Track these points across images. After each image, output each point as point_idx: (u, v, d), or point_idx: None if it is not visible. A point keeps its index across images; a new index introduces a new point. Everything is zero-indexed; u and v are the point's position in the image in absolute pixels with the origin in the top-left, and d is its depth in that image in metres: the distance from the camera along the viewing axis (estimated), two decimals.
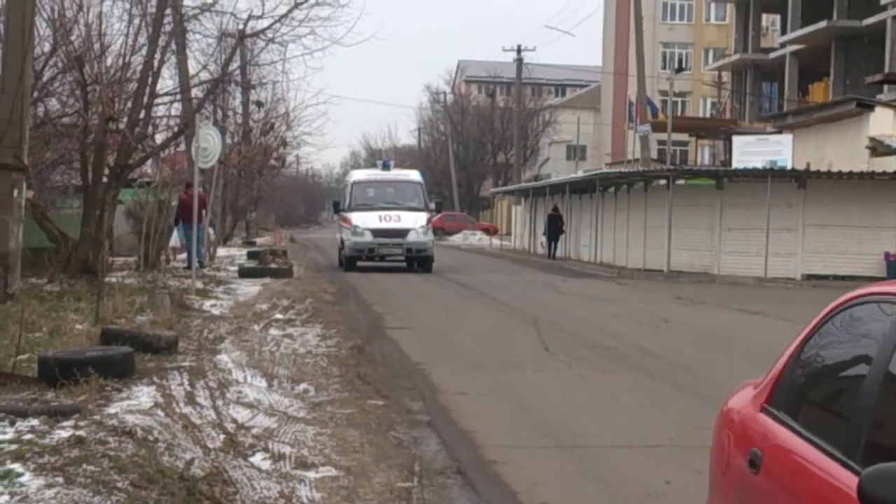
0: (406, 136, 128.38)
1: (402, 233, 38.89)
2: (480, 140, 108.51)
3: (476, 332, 22.62)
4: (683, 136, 71.81)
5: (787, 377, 5.60)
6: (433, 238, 42.89)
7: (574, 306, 28.91)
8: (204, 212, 35.30)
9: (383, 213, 39.28)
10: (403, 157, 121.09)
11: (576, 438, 12.14)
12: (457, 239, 77.49)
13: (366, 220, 38.96)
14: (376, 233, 38.71)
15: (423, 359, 18.08)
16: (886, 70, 54.16)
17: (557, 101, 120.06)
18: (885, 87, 52.24)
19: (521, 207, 75.54)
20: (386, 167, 46.46)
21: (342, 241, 41.41)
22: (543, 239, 60.04)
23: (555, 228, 58.07)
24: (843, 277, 38.01)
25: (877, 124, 41.72)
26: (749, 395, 6.10)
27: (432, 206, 47.34)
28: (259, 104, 51.48)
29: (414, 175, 46.11)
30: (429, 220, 41.76)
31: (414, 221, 39.25)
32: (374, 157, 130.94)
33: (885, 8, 56.05)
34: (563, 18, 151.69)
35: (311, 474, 10.03)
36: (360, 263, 37.20)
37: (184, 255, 34.57)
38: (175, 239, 35.61)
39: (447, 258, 51.49)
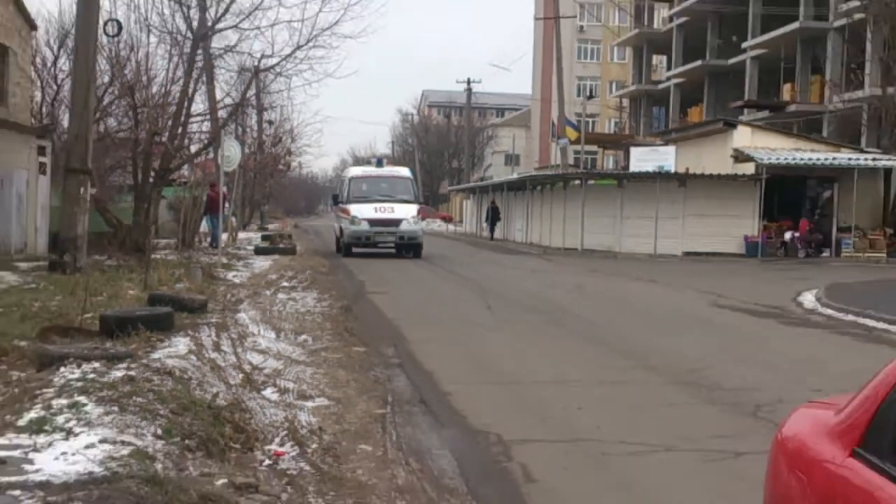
0: (383, 147, 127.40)
1: (396, 222, 34.68)
2: (439, 150, 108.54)
3: (434, 296, 22.60)
4: (593, 148, 71.79)
5: (887, 416, 3.42)
6: (423, 227, 38.27)
7: (511, 276, 28.87)
8: (226, 205, 35.45)
9: (378, 205, 34.88)
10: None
11: (510, 377, 12.17)
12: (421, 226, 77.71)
13: (363, 211, 34.62)
14: (372, 222, 34.52)
15: (395, 316, 18.11)
16: (745, 98, 54.64)
17: (498, 121, 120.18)
18: (745, 111, 52.48)
19: (469, 201, 75.57)
20: (379, 164, 41.24)
21: (340, 230, 36.93)
22: (485, 225, 60.08)
23: (494, 217, 58.67)
24: (713, 254, 38.51)
25: (738, 138, 41.90)
26: (821, 426, 3.89)
27: (421, 198, 42.76)
28: (270, 122, 52.02)
29: (404, 171, 41.66)
30: (419, 211, 37.21)
31: (406, 212, 35.12)
32: (360, 163, 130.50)
33: (744, 51, 56.32)
34: (503, 57, 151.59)
35: (309, 403, 10.03)
36: (354, 249, 34.70)
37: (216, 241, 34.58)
38: (204, 226, 35.46)
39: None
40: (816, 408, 4.24)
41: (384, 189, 36.07)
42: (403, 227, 34.53)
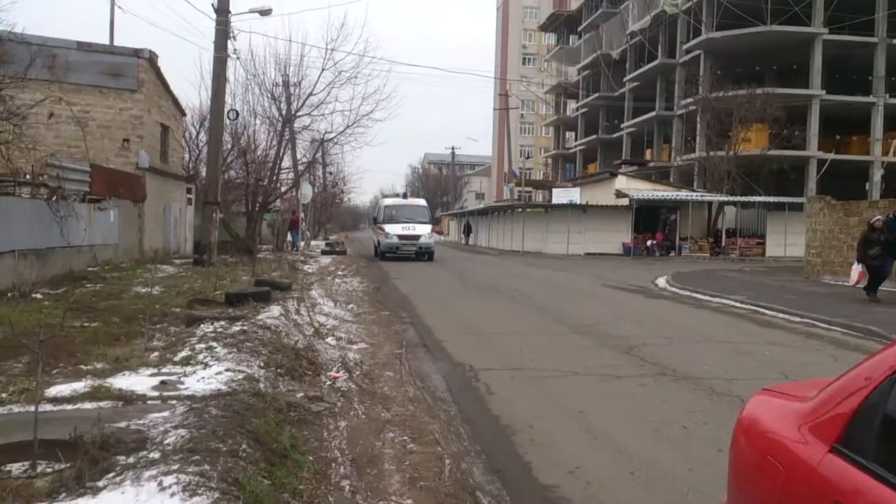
0: (400, 188, 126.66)
1: (417, 237, 32.13)
2: (435, 190, 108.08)
3: (432, 280, 22.55)
4: (530, 189, 71.84)
5: (871, 414, 2.36)
6: (435, 240, 35.16)
7: (478, 266, 28.89)
8: (303, 224, 35.33)
9: (405, 225, 32.42)
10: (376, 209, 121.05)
11: (478, 329, 12.16)
12: None
13: (394, 229, 32.11)
14: (400, 237, 32.05)
15: (408, 292, 18.06)
16: (623, 158, 54.68)
17: (471, 172, 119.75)
18: (623, 166, 52.55)
19: (454, 222, 75.48)
20: (404, 196, 37.97)
21: (378, 242, 33.64)
22: (462, 236, 60.27)
23: (468, 231, 58.73)
24: (603, 254, 38.48)
25: (619, 183, 41.96)
26: (789, 416, 2.77)
27: (433, 220, 39.00)
28: (330, 173, 51.78)
29: (422, 202, 37.55)
30: (432, 229, 34.70)
31: (423, 230, 32.60)
32: (390, 196, 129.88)
33: (622, 129, 56.45)
34: (474, 131, 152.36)
35: (354, 346, 10.04)
36: (387, 255, 32.49)
37: (296, 246, 34.55)
38: (289, 237, 35.37)
39: None
40: (777, 397, 3.03)
41: (408, 213, 33.36)
42: (422, 240, 32.16)
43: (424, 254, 32.61)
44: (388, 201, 36.84)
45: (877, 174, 41.88)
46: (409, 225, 32.60)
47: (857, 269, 16.82)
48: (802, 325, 13.09)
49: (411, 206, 35.02)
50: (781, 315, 14.33)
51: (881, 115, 41.82)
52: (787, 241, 37.98)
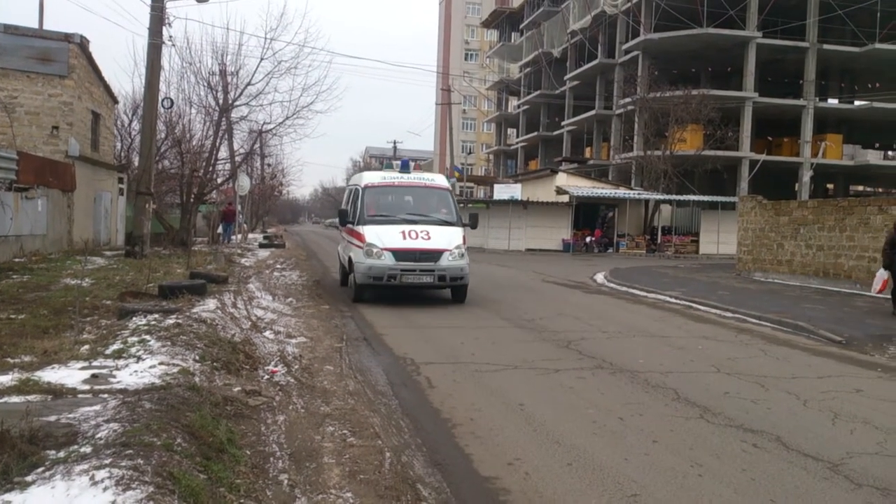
0: (341, 182, 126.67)
1: (433, 255, 14.34)
2: None
3: None
4: (471, 184, 72.19)
5: None
6: (468, 261, 15.09)
7: None
8: (240, 216, 34.74)
9: (408, 228, 14.71)
10: (341, 194, 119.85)
11: (420, 323, 12.16)
12: None
13: (384, 237, 14.41)
14: (400, 254, 14.22)
15: (348, 286, 17.93)
16: (563, 155, 55.39)
17: None
18: (563, 163, 53.19)
19: None
20: (405, 168, 16.92)
21: (350, 262, 15.36)
22: None
23: None
24: (543, 249, 38.94)
25: (559, 180, 42.42)
26: None
27: (465, 220, 15.85)
28: (269, 164, 51.04)
29: (441, 180, 17.05)
30: (464, 238, 15.14)
31: (447, 238, 14.67)
32: (328, 195, 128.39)
33: (562, 127, 57.11)
34: (416, 126, 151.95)
35: (293, 340, 9.94)
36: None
37: (229, 238, 33.98)
38: (219, 230, 34.63)
39: None
40: None
41: (415, 203, 15.93)
42: (445, 261, 14.43)
43: (451, 286, 15.06)
44: (373, 178, 16.52)
45: (806, 175, 43.39)
46: (418, 228, 14.81)
47: (881, 277, 14.62)
48: (734, 321, 13.49)
49: (419, 187, 16.42)
50: (714, 310, 14.73)
51: (811, 118, 43.33)
52: (719, 238, 39.06)
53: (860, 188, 56.30)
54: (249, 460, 5.15)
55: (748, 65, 42.02)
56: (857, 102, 47.75)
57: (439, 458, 5.46)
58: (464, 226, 15.36)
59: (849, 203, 20.51)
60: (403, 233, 14.51)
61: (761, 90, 42.67)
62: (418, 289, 15.26)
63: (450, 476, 5.11)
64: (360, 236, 14.64)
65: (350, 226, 15.46)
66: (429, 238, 14.52)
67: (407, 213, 15.30)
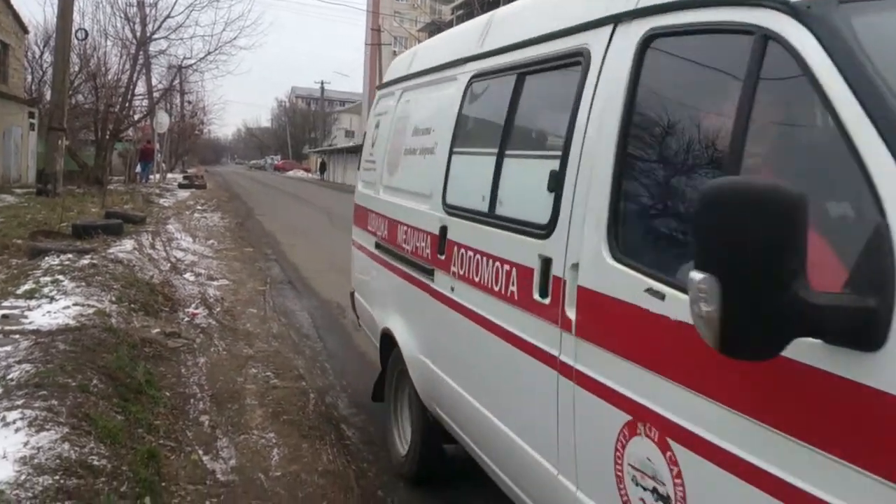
0: (265, 122, 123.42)
1: None
2: (303, 125, 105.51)
3: (299, 216, 22.11)
4: None
5: None
6: None
7: (347, 207, 28.55)
8: (159, 155, 33.67)
9: None
10: (265, 134, 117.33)
11: (348, 267, 12.10)
12: (290, 174, 75.45)
13: None
14: None
15: (273, 229, 17.68)
16: None
17: (341, 108, 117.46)
18: None
19: (319, 159, 74.13)
20: None
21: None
22: (318, 173, 62.99)
23: (323, 168, 62.64)
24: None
25: None
26: None
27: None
28: (189, 102, 49.65)
29: None
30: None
31: None
32: (252, 135, 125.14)
33: None
34: (346, 66, 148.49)
35: (215, 283, 9.81)
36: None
37: (147, 178, 33.05)
38: (139, 168, 33.43)
39: (287, 184, 48.54)
40: None
41: None
42: None
43: None
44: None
45: None
46: None
47: None
48: None
49: None
50: None
51: None
52: None
53: None
54: (169, 402, 5.12)
55: None
56: None
57: (365, 400, 5.53)
58: None
59: None
60: None
61: None
62: None
63: (376, 416, 5.19)
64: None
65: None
66: None
67: None
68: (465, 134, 3.50)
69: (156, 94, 34.83)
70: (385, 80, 5.30)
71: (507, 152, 3.00)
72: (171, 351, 6.32)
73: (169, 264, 10.48)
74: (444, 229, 3.43)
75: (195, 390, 5.49)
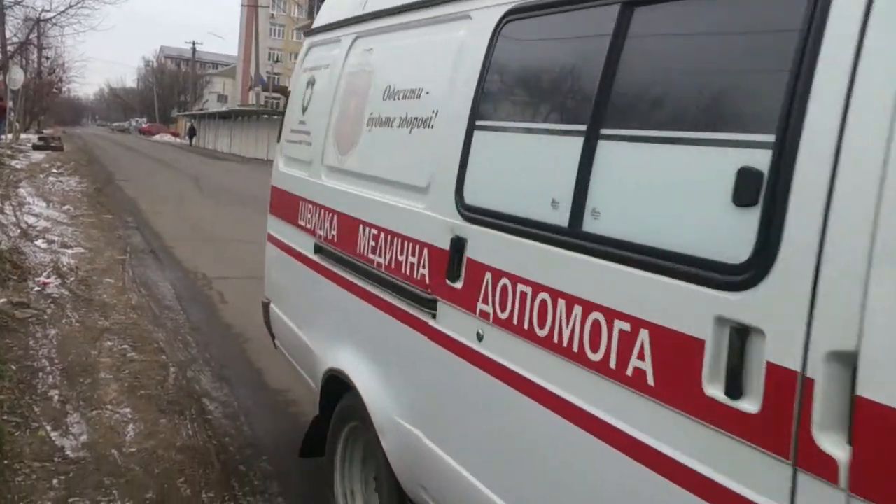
0: (131, 83, 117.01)
1: None
2: (172, 88, 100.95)
3: (164, 183, 21.14)
4: (278, 95, 69.67)
5: None
6: None
7: (219, 173, 27.64)
8: (12, 113, 31.36)
9: None
10: (131, 95, 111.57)
11: (215, 236, 11.68)
12: (156, 138, 72.16)
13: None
14: None
15: (136, 195, 16.83)
16: None
17: (214, 71, 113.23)
18: None
19: (188, 123, 71.33)
20: None
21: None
22: (187, 138, 61.06)
23: (192, 133, 60.76)
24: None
25: None
26: None
27: None
28: (47, 58, 46.61)
29: None
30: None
31: None
32: (116, 95, 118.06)
33: None
34: (220, 27, 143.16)
35: (69, 251, 9.30)
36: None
37: None
38: None
39: (153, 149, 45.92)
40: None
41: None
42: None
43: None
44: None
45: None
46: None
47: None
48: None
49: None
50: None
51: None
52: None
53: None
54: (15, 376, 4.83)
55: None
56: None
57: (228, 374, 5.41)
58: None
59: None
60: None
61: None
62: None
63: (238, 390, 5.09)
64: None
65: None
66: None
67: None
68: (498, 98, 2.30)
69: (10, 49, 32.49)
70: (321, 21, 4.02)
71: (610, 131, 1.75)
72: (19, 322, 5.96)
73: (19, 230, 9.86)
74: (459, 242, 2.25)
75: (44, 364, 5.19)
